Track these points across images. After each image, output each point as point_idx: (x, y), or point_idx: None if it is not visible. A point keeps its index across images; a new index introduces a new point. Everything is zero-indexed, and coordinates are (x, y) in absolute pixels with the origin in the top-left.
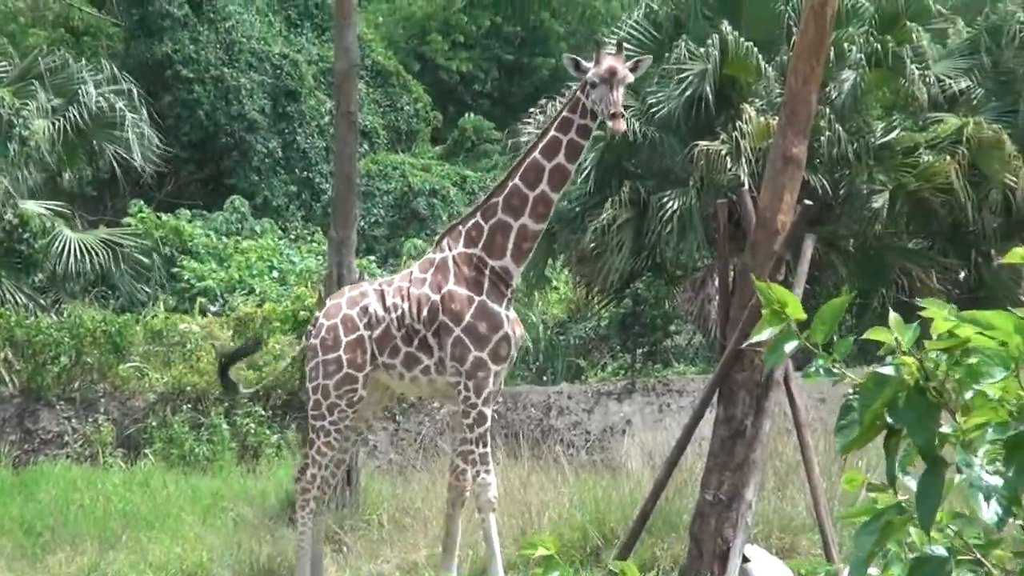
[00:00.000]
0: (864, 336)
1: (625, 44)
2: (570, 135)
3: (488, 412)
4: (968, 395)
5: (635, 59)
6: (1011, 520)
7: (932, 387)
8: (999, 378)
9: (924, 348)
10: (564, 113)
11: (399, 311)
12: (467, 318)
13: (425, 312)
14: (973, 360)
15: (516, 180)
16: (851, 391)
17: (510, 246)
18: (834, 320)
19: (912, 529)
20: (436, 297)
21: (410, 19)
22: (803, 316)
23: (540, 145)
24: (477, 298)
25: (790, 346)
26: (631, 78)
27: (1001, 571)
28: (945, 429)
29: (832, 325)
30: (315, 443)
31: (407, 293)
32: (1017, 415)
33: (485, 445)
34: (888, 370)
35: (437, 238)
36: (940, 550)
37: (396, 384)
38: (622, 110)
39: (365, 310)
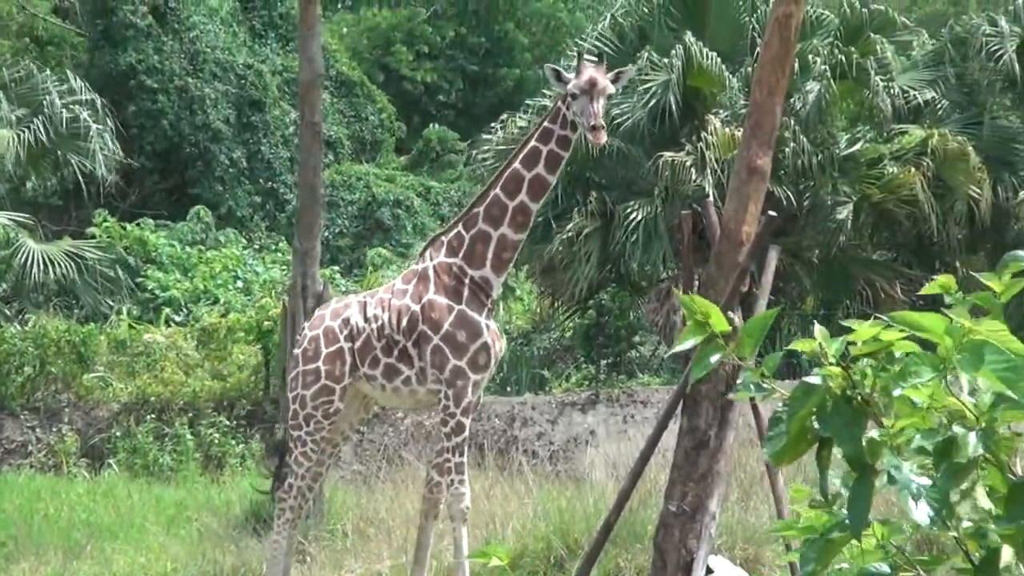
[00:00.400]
0: (790, 347)
1: (588, 56)
2: (550, 146)
3: (467, 422)
4: (896, 393)
5: (616, 71)
6: (942, 521)
7: (858, 395)
8: (927, 379)
9: (850, 356)
10: (545, 123)
11: (379, 322)
12: (446, 327)
13: (405, 322)
14: (899, 365)
15: (496, 190)
16: (781, 405)
17: (490, 256)
18: (761, 334)
19: (854, 544)
20: (416, 307)
21: (375, 30)
22: (727, 328)
23: (521, 155)
24: (456, 307)
25: (715, 359)
26: (612, 89)
27: None
28: (873, 435)
29: (759, 339)
30: (293, 452)
31: (388, 304)
32: (948, 422)
33: (462, 455)
34: (815, 379)
35: (420, 249)
36: (883, 567)
37: (379, 395)
38: (602, 122)
39: (347, 322)
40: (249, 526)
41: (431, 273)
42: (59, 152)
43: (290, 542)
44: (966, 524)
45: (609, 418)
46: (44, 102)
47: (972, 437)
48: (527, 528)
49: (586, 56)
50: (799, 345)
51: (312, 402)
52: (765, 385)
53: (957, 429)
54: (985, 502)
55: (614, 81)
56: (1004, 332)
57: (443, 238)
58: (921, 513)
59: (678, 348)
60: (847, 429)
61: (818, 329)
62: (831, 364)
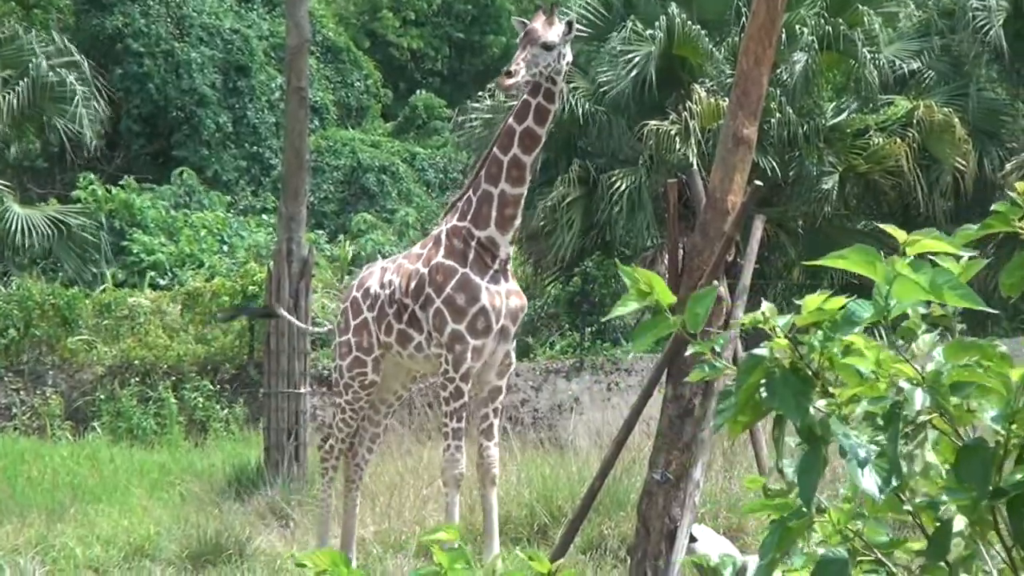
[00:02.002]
0: (739, 322)
1: (576, 24)
2: (537, 99)
3: (465, 387)
4: (837, 353)
5: (566, 20)
6: (892, 491)
7: (806, 366)
8: (866, 316)
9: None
10: (531, 80)
11: (392, 287)
12: (447, 290)
13: (414, 285)
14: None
15: (494, 148)
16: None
17: (494, 214)
18: (707, 308)
19: (816, 529)
20: (425, 270)
21: None
22: (672, 299)
23: (514, 111)
24: (461, 270)
25: (660, 332)
26: (548, 38)
27: (903, 571)
28: (821, 405)
29: (706, 313)
30: (335, 416)
31: (401, 268)
32: (894, 390)
33: (459, 420)
34: (762, 352)
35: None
36: (840, 552)
37: (403, 362)
38: (516, 68)
39: (367, 292)
40: (232, 490)
41: (443, 237)
42: (44, 115)
43: (350, 499)
44: (920, 499)
45: (593, 386)
46: (30, 64)
47: (919, 393)
48: (511, 495)
49: (543, 8)
50: (745, 320)
51: (348, 373)
52: (717, 363)
53: (904, 385)
54: (938, 468)
55: (566, 33)
56: (939, 241)
57: (457, 203)
58: (869, 481)
59: (613, 314)
60: (795, 400)
61: (765, 304)
62: (779, 337)
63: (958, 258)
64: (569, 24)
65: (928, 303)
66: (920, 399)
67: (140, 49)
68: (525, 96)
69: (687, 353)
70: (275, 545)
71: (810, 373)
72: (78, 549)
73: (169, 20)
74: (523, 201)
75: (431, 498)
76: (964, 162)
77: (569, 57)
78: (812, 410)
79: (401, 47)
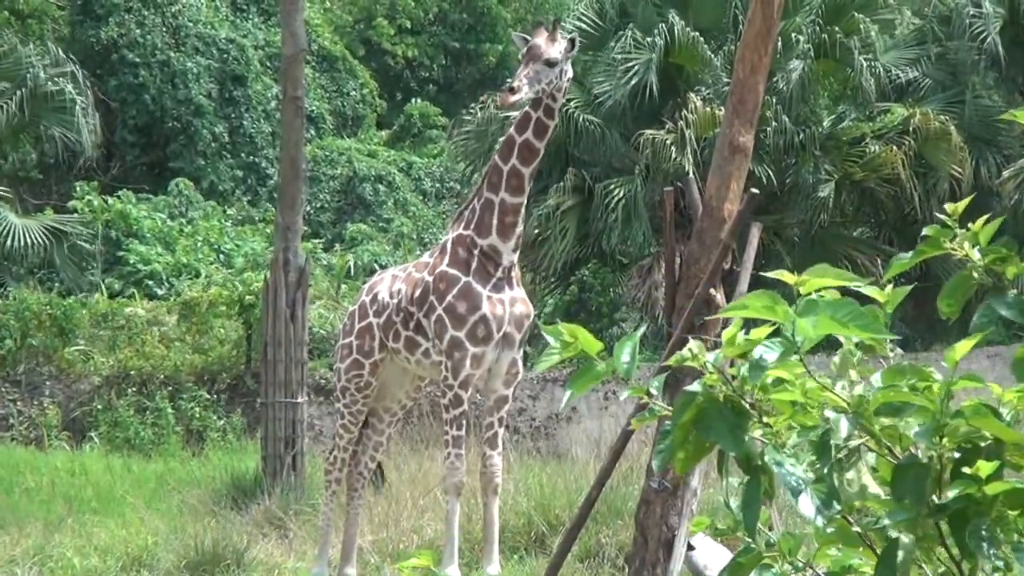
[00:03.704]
0: (665, 363)
1: (561, 29)
2: (538, 113)
3: (464, 395)
4: (769, 384)
5: (569, 37)
6: (830, 514)
7: (740, 398)
8: (778, 355)
9: (722, 360)
10: (533, 96)
11: (400, 295)
12: (449, 298)
13: (419, 293)
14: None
15: (495, 157)
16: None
17: (494, 222)
18: (635, 351)
19: (775, 562)
20: (430, 279)
21: (356, 3)
22: (599, 347)
23: (515, 121)
24: (463, 278)
25: (592, 380)
26: (551, 55)
27: None
28: (756, 435)
29: (634, 357)
30: (336, 423)
31: (410, 277)
32: (823, 419)
33: (459, 428)
34: (695, 387)
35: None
36: None
37: (411, 368)
38: (518, 84)
39: (375, 297)
40: (229, 500)
41: (449, 246)
42: (41, 125)
43: (353, 511)
44: (868, 520)
45: (591, 394)
46: (28, 75)
47: (843, 420)
48: (508, 504)
49: (544, 23)
50: (672, 361)
51: (346, 375)
52: (654, 406)
53: (829, 414)
54: (874, 488)
55: (569, 50)
56: (831, 278)
57: (464, 212)
58: (807, 506)
59: (540, 368)
60: (730, 433)
61: (692, 342)
62: (710, 373)
63: (918, 278)
64: (572, 41)
65: None
66: (846, 427)
67: (135, 59)
68: (527, 108)
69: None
70: (273, 555)
71: (746, 405)
72: (76, 560)
73: (164, 30)
74: (523, 210)
75: (429, 507)
76: (960, 170)
77: (570, 73)
78: (750, 440)
79: (396, 56)
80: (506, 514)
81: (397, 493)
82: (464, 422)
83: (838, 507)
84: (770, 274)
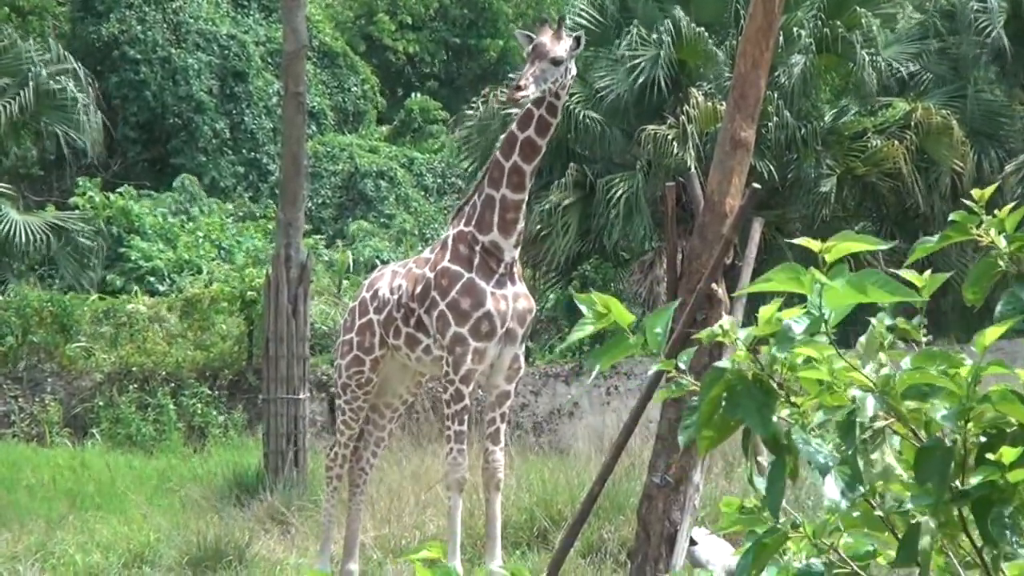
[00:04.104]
0: (695, 337)
1: (565, 27)
2: (540, 111)
3: (466, 390)
4: (798, 363)
5: (575, 35)
6: (855, 496)
7: (767, 376)
8: (804, 328)
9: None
10: (539, 95)
11: (400, 291)
12: (452, 293)
13: (420, 289)
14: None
15: (497, 153)
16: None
17: (496, 219)
18: (666, 326)
19: (791, 544)
20: (431, 275)
21: None
22: (631, 318)
23: (518, 118)
24: (466, 275)
25: (620, 353)
26: (556, 53)
27: None
28: (783, 415)
29: (666, 331)
30: (337, 419)
31: (411, 273)
32: (851, 400)
33: (461, 423)
34: (725, 364)
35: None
36: (817, 564)
37: (411, 365)
38: (525, 83)
39: (376, 294)
40: (231, 496)
41: (450, 242)
42: (43, 122)
43: (355, 508)
44: (891, 504)
45: (592, 390)
46: (29, 72)
47: (870, 399)
48: (510, 500)
49: (549, 21)
50: (702, 335)
51: (347, 372)
52: (681, 380)
53: (855, 393)
54: (900, 471)
55: (574, 48)
56: (857, 243)
57: (464, 207)
58: (832, 488)
59: (571, 339)
60: (758, 412)
61: (725, 318)
62: (740, 350)
63: (921, 270)
64: (577, 39)
65: (893, 315)
66: (872, 405)
67: (136, 56)
68: (529, 106)
69: (652, 371)
70: (275, 551)
71: (773, 384)
72: (77, 556)
73: (165, 26)
74: (524, 206)
75: (431, 503)
76: (962, 164)
77: (574, 71)
78: (777, 420)
79: (397, 51)
80: (508, 509)
81: (399, 489)
82: (466, 418)
83: (862, 489)
84: (796, 241)
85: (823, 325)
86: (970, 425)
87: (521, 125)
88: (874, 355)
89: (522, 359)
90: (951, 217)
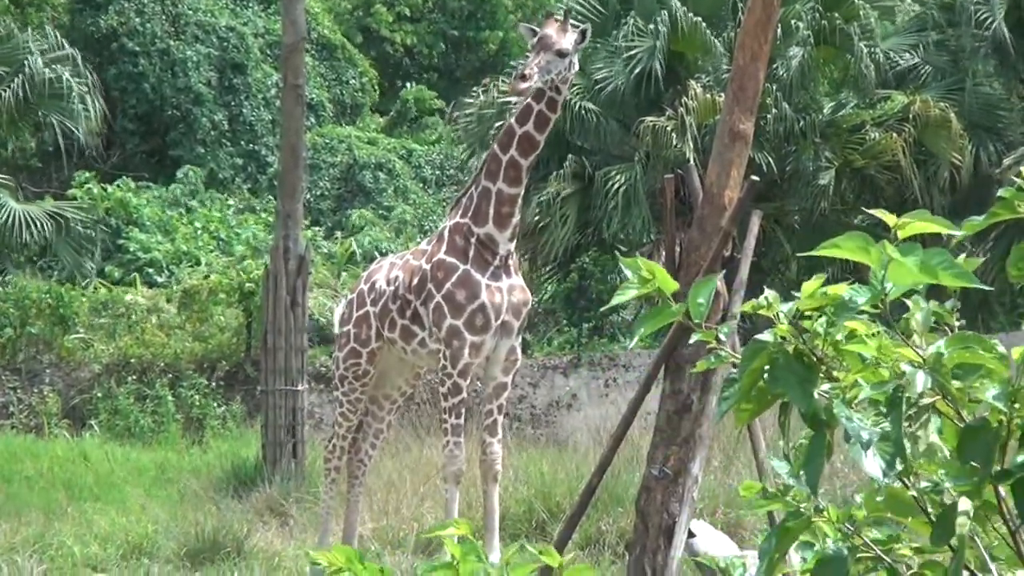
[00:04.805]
0: (740, 310)
1: (571, 20)
2: (540, 106)
3: (463, 383)
4: (841, 339)
5: (581, 28)
6: (896, 474)
7: (809, 350)
8: (864, 301)
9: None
10: (538, 84)
11: (397, 283)
12: (447, 286)
13: (416, 281)
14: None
15: (495, 146)
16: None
17: (491, 211)
18: (709, 297)
19: (826, 529)
20: (427, 267)
21: None
22: (675, 286)
23: (517, 112)
24: (462, 267)
25: (663, 321)
26: (562, 45)
27: (904, 567)
28: (825, 390)
29: (709, 302)
30: (335, 411)
31: (407, 265)
32: (897, 372)
33: (458, 417)
34: (766, 337)
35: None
36: (841, 549)
37: (407, 358)
38: (530, 72)
39: (373, 286)
40: (230, 488)
41: (446, 233)
42: (40, 112)
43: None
44: (924, 484)
45: (591, 382)
46: (27, 61)
47: (920, 375)
48: (509, 492)
49: (555, 14)
50: (747, 306)
51: (344, 363)
52: (721, 352)
53: (905, 367)
54: (943, 449)
55: (579, 41)
56: (930, 223)
57: (462, 199)
58: (872, 464)
59: (614, 302)
60: (799, 386)
61: (768, 292)
62: (782, 323)
63: (956, 254)
64: (583, 33)
65: (927, 299)
66: (922, 381)
67: (135, 48)
68: (529, 100)
69: (689, 343)
70: (273, 543)
71: (815, 359)
72: (76, 548)
73: (164, 18)
74: (520, 200)
75: (429, 495)
76: (960, 157)
77: (576, 66)
78: (816, 395)
79: (394, 42)
80: (506, 501)
81: (397, 481)
82: (463, 410)
83: (901, 467)
84: (872, 211)
85: (883, 300)
86: (1016, 405)
87: (520, 119)
88: (926, 332)
89: (519, 351)
90: (999, 193)
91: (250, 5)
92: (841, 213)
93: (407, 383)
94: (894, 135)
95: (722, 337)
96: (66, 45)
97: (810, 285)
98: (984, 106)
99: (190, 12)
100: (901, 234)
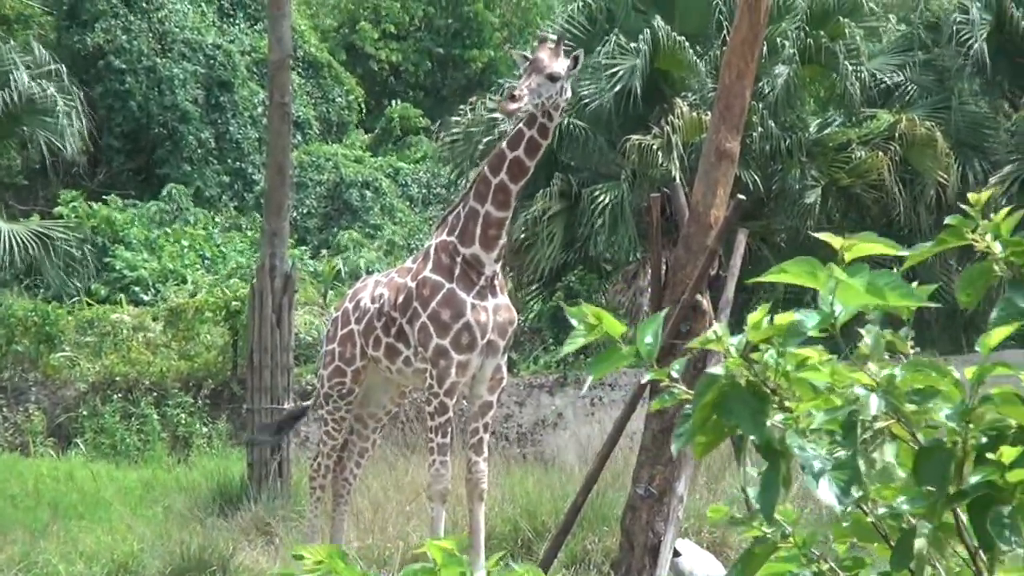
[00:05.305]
0: (688, 346)
1: (549, 38)
2: (531, 132)
3: (450, 402)
4: (792, 369)
5: (573, 54)
6: (852, 500)
7: (760, 381)
8: (813, 325)
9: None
10: (531, 110)
11: (382, 300)
12: (432, 305)
13: (401, 299)
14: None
15: (485, 168)
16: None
17: (478, 232)
18: (658, 334)
19: (783, 554)
20: (412, 284)
21: (337, 7)
22: (622, 329)
23: (509, 136)
24: (447, 285)
25: (615, 363)
26: (554, 69)
27: None
28: (778, 420)
29: (657, 340)
30: (320, 429)
31: (392, 282)
32: (852, 398)
33: (444, 436)
34: (718, 371)
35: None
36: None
37: (392, 377)
38: (519, 93)
39: (358, 304)
40: (215, 506)
41: (432, 251)
42: (25, 128)
43: (338, 517)
44: (882, 510)
45: (577, 401)
46: (11, 76)
47: (874, 398)
48: (494, 510)
49: (549, 38)
50: (695, 343)
51: (328, 382)
52: (674, 389)
53: (858, 391)
54: (897, 470)
55: (572, 67)
56: (876, 244)
57: (448, 216)
58: (826, 492)
59: (565, 351)
60: (752, 418)
61: (717, 325)
62: (732, 356)
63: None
64: (575, 59)
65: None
66: (876, 404)
67: (122, 66)
68: (520, 125)
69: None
70: (259, 561)
71: (767, 389)
72: (61, 566)
73: (151, 36)
74: (507, 223)
75: (415, 513)
76: (946, 176)
77: (568, 94)
78: (770, 425)
79: (380, 60)
80: (492, 520)
81: (383, 499)
82: (449, 429)
83: (857, 494)
84: (819, 235)
85: (833, 323)
86: (971, 426)
87: (511, 144)
88: (878, 356)
89: (504, 369)
90: (946, 221)
91: (237, 23)
92: (827, 232)
93: (392, 402)
94: (880, 154)
95: (675, 374)
96: (51, 57)
97: (755, 316)
98: (970, 125)
99: (177, 30)
100: (848, 256)
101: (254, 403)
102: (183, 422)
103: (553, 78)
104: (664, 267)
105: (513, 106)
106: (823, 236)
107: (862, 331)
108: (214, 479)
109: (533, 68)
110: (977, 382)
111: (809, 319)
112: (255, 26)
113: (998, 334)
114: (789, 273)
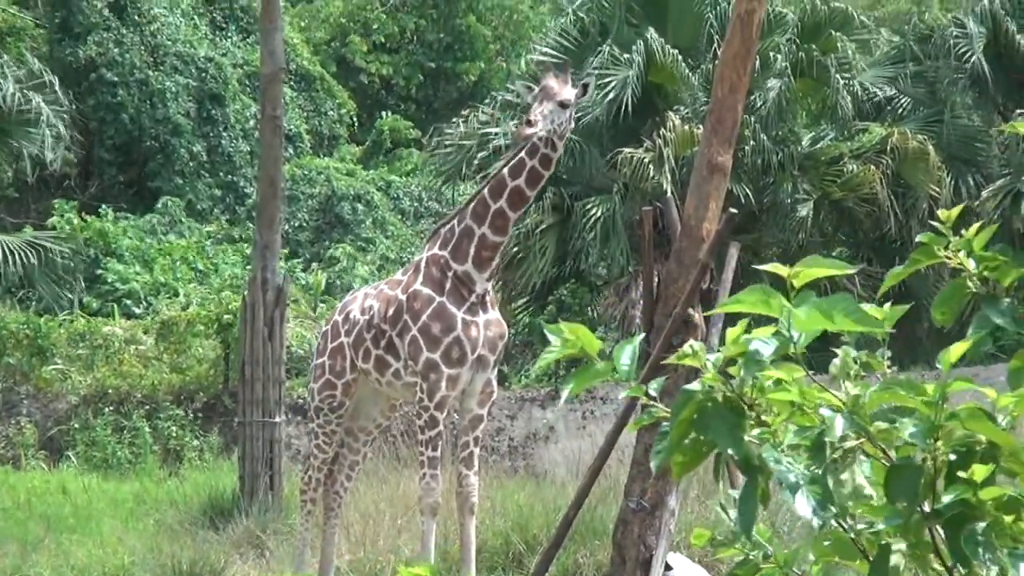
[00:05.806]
0: (665, 362)
1: (551, 51)
2: (533, 162)
3: (440, 416)
4: (768, 385)
5: (582, 83)
6: (828, 515)
7: (737, 396)
8: (772, 348)
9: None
10: (535, 140)
11: (371, 312)
12: (423, 318)
13: (392, 311)
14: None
15: (485, 191)
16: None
17: (472, 252)
18: (635, 355)
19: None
20: (403, 297)
21: (328, 20)
22: (599, 345)
23: (511, 162)
24: (438, 299)
25: (590, 380)
26: (564, 96)
27: None
28: (753, 435)
29: (635, 360)
30: (311, 443)
31: (382, 295)
32: (820, 420)
33: (435, 449)
34: (695, 387)
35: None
36: None
37: (382, 389)
38: (535, 118)
39: (347, 317)
40: (207, 520)
41: (423, 264)
42: (12, 139)
43: (328, 531)
44: (862, 526)
45: (568, 414)
46: (0, 87)
47: (839, 419)
48: (485, 524)
49: (552, 65)
50: (672, 359)
51: (319, 395)
52: (653, 408)
53: (824, 412)
54: (869, 490)
55: (580, 95)
56: (823, 268)
57: (441, 230)
58: (803, 506)
59: (539, 366)
60: (729, 433)
61: (692, 342)
62: (709, 372)
63: (897, 295)
64: (584, 87)
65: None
66: (841, 425)
67: (114, 79)
68: (522, 154)
69: (622, 396)
70: (250, 574)
71: (744, 405)
72: None
73: (143, 48)
74: (502, 247)
75: (406, 527)
76: (939, 189)
77: (572, 124)
78: (748, 441)
79: (370, 73)
80: (483, 534)
81: (374, 513)
82: (440, 443)
83: (833, 509)
84: (764, 267)
85: (792, 348)
86: (939, 443)
87: (513, 172)
88: (845, 377)
89: (495, 383)
90: (917, 239)
91: (229, 36)
92: (820, 245)
93: (383, 415)
94: (872, 167)
95: (652, 392)
96: (43, 68)
97: (733, 332)
98: (962, 138)
99: (169, 43)
100: (796, 283)
101: (246, 416)
102: (175, 435)
103: (564, 105)
104: (656, 281)
105: (529, 131)
106: (770, 267)
107: (838, 351)
108: (205, 492)
109: (544, 95)
110: (941, 399)
111: (767, 345)
112: (247, 39)
113: (957, 350)
114: (744, 303)
